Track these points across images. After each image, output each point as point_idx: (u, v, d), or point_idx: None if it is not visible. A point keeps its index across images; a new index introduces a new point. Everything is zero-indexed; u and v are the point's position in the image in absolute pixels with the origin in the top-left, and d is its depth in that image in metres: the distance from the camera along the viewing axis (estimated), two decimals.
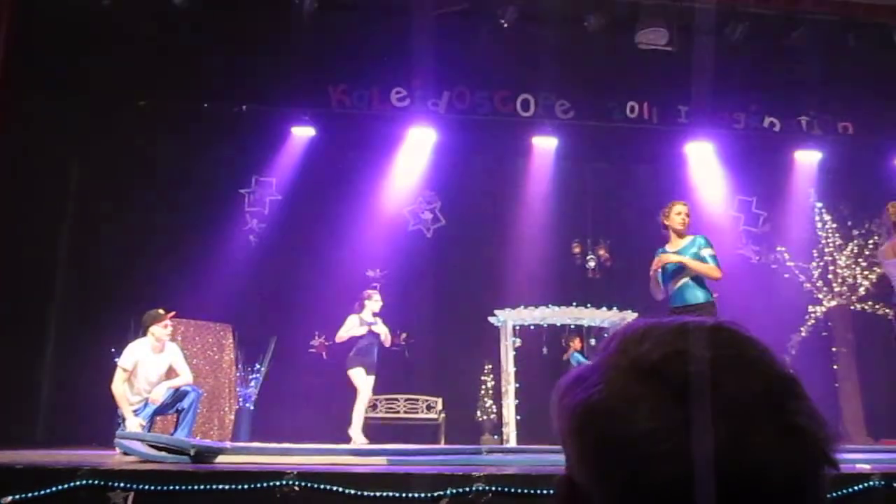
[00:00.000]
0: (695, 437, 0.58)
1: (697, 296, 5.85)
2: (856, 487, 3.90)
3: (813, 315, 10.71)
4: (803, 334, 10.57)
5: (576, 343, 9.67)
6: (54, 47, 8.50)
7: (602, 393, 0.64)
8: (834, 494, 3.71)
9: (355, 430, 8.06)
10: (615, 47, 9.14)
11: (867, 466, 4.29)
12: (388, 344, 8.49)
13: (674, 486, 0.58)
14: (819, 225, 10.98)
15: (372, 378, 8.32)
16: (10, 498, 3.57)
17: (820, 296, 10.80)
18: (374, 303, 8.43)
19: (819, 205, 11.00)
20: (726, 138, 10.51)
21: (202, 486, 3.73)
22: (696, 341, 0.63)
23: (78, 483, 3.63)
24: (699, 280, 5.88)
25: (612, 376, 0.64)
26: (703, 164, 10.87)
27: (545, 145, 10.64)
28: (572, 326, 9.46)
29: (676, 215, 6.03)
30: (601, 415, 0.63)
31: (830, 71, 9.36)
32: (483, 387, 10.29)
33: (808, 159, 10.83)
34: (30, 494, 3.59)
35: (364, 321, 8.34)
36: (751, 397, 0.60)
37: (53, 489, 3.61)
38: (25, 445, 6.72)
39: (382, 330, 8.38)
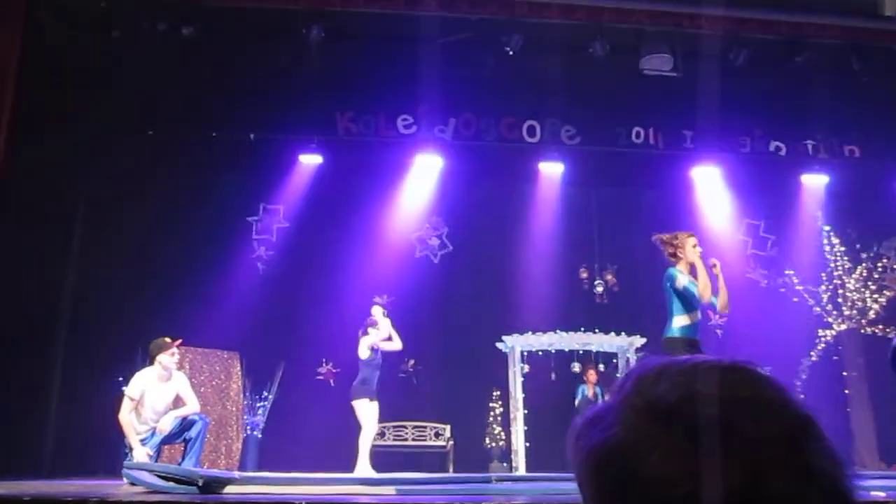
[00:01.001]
0: (710, 481, 0.57)
1: None
2: None
3: (823, 339, 10.64)
4: (813, 358, 10.49)
5: (590, 375, 9.59)
6: (64, 77, 8.58)
7: (618, 435, 0.63)
8: None
9: (363, 464, 7.90)
10: (620, 73, 9.19)
11: (882, 494, 4.23)
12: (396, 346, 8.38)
13: None
14: (827, 248, 10.94)
15: (376, 405, 8.22)
16: None
17: (830, 319, 10.74)
18: (380, 328, 8.33)
19: (827, 228, 10.96)
20: (732, 162, 10.52)
21: None
22: (710, 383, 0.63)
23: None
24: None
25: (627, 418, 0.64)
26: (710, 188, 10.87)
27: (551, 171, 10.67)
28: (581, 352, 9.44)
29: (693, 248, 5.97)
30: (617, 457, 0.62)
31: (836, 94, 9.38)
32: (491, 413, 10.23)
33: (815, 183, 10.82)
34: None
35: (375, 344, 8.23)
36: (767, 440, 0.60)
37: None
38: (33, 476, 6.70)
39: (396, 343, 8.30)
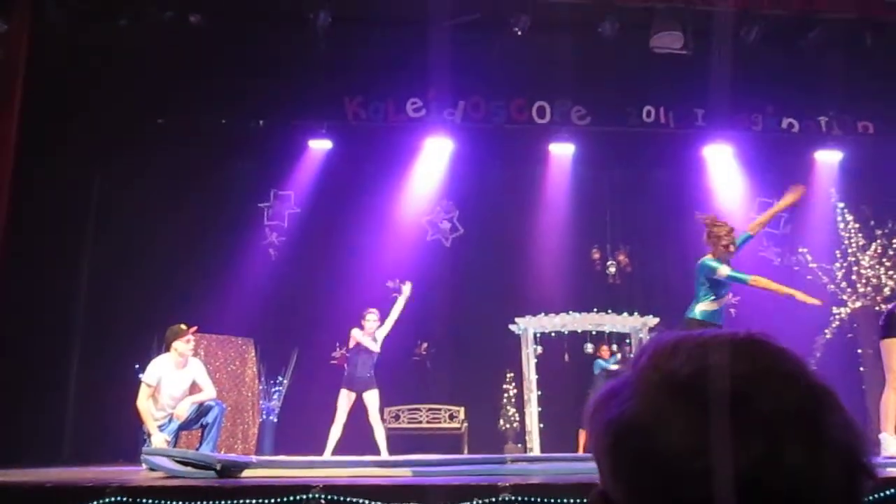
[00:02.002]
0: (726, 454, 0.57)
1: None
2: (887, 492, 3.84)
3: (837, 317, 10.56)
4: (828, 336, 10.42)
5: (602, 351, 9.59)
6: (74, 67, 8.61)
7: (634, 409, 0.63)
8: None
9: (327, 452, 7.85)
10: (630, 52, 9.12)
11: None
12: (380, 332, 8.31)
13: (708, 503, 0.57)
14: (841, 226, 10.83)
15: (374, 392, 8.15)
16: None
17: (844, 297, 10.66)
18: (370, 323, 8.29)
19: (841, 205, 10.85)
20: (744, 140, 10.44)
21: (229, 502, 3.75)
22: (727, 355, 0.62)
23: (106, 500, 3.65)
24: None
25: (644, 392, 0.64)
26: (722, 166, 10.80)
27: (562, 152, 10.63)
28: (594, 333, 9.44)
29: (725, 247, 5.96)
30: (634, 432, 0.62)
31: (849, 70, 9.27)
32: (505, 395, 10.26)
33: (828, 159, 10.72)
34: None
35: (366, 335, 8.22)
36: (786, 412, 0.59)
37: None
38: (53, 464, 6.78)
39: (384, 329, 8.26)
